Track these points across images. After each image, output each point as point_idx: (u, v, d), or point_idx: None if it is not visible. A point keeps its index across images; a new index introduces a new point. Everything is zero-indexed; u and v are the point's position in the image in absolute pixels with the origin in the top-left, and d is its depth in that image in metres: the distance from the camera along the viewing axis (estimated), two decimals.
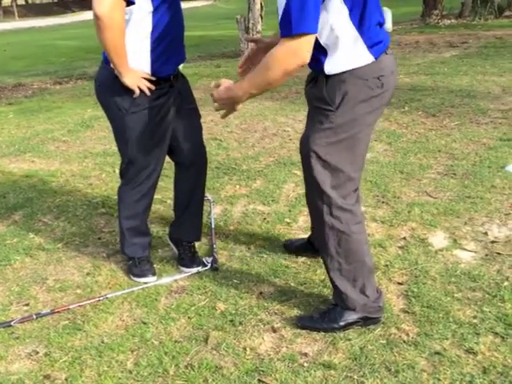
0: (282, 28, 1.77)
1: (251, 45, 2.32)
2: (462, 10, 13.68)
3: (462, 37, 10.14)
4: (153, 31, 2.26)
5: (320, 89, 1.98)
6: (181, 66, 2.52)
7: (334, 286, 2.16)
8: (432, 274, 2.50)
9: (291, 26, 1.73)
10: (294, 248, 2.79)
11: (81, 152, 4.76)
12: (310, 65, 1.93)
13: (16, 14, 45.82)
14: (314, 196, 2.07)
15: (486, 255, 2.63)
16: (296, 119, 5.22)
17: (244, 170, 4.02)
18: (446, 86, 6.18)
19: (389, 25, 12.68)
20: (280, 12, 1.77)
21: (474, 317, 2.18)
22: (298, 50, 1.76)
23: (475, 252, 2.67)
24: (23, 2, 57.24)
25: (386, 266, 2.61)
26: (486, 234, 2.83)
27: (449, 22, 13.07)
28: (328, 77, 1.94)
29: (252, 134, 4.92)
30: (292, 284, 2.51)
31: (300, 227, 3.08)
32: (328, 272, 2.16)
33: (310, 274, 2.59)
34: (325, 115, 1.97)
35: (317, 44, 1.85)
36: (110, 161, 4.43)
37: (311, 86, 2.09)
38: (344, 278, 2.12)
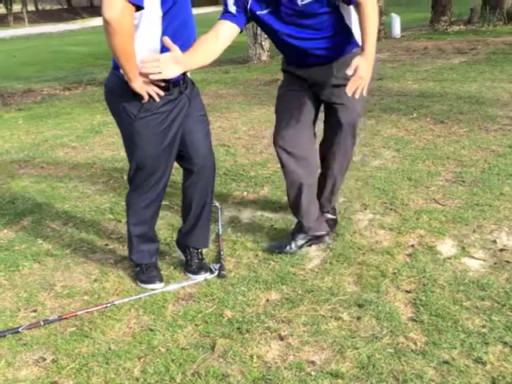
0: None
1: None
2: (471, 17, 13.63)
3: (471, 43, 10.11)
4: (162, 35, 2.26)
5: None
6: (189, 73, 2.53)
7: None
8: (440, 283, 2.48)
9: None
10: None
11: (89, 158, 4.78)
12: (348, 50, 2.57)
13: (26, 20, 46.21)
14: (348, 137, 2.74)
15: (495, 263, 2.62)
16: None
17: (252, 177, 4.02)
18: (455, 92, 6.16)
19: (397, 31, 12.71)
20: None
21: (483, 326, 2.17)
22: None
23: (484, 260, 2.66)
24: (33, 9, 57.70)
25: (394, 273, 2.59)
26: (494, 241, 2.82)
27: (458, 28, 13.03)
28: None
29: (260, 140, 4.92)
30: (299, 291, 2.51)
31: None
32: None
33: (318, 281, 2.58)
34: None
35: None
36: (118, 167, 4.45)
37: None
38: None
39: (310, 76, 2.65)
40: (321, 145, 2.95)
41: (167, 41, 2.14)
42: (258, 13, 2.43)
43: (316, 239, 2.92)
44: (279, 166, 2.83)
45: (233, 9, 2.41)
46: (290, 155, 2.72)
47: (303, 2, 2.36)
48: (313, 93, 2.71)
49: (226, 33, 2.41)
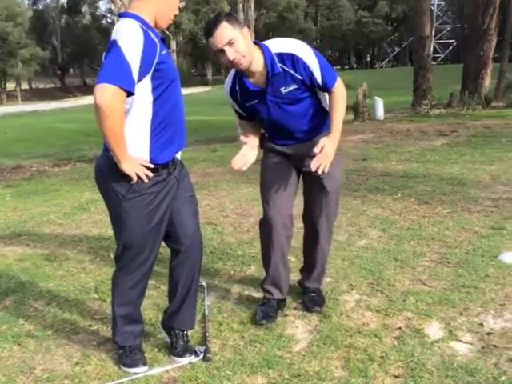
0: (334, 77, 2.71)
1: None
2: (451, 100, 14.21)
3: (452, 126, 10.47)
4: (152, 120, 2.34)
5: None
6: (179, 154, 2.59)
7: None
8: (428, 367, 2.45)
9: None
10: None
11: (76, 235, 4.77)
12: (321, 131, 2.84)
13: (19, 98, 47.23)
14: (333, 204, 2.97)
15: (483, 347, 2.60)
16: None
17: (239, 255, 4.03)
18: (438, 173, 6.32)
19: (380, 113, 13.15)
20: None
21: None
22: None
23: (471, 344, 2.64)
24: (27, 87, 59.10)
25: (382, 357, 2.56)
26: (481, 325, 2.81)
27: (438, 111, 13.55)
28: None
29: (247, 218, 4.96)
30: (286, 376, 2.45)
31: (294, 315, 3.05)
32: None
33: (305, 365, 2.54)
34: None
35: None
36: (105, 245, 4.43)
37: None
38: None
39: (294, 152, 2.90)
40: (305, 217, 3.12)
41: (244, 139, 2.70)
42: (246, 104, 2.75)
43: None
44: None
45: (241, 111, 2.89)
46: (282, 226, 2.92)
47: (286, 90, 2.67)
48: (294, 165, 2.95)
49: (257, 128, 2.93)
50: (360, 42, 72.08)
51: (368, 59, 65.03)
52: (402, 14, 68.35)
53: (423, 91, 14.46)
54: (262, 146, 3.03)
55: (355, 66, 77.63)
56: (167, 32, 47.68)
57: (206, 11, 54.59)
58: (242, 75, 2.70)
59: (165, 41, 2.42)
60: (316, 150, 2.57)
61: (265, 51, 2.64)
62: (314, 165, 2.57)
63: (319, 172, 2.57)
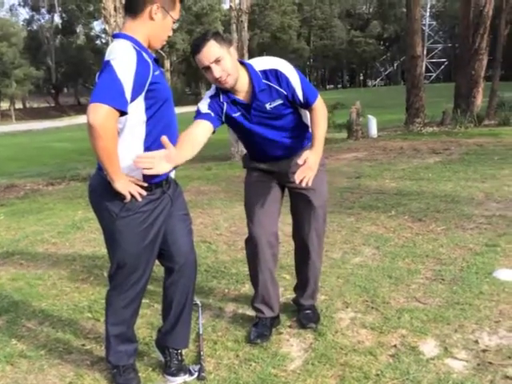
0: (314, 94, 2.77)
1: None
2: (443, 119, 14.33)
3: (445, 144, 10.54)
4: (146, 139, 2.35)
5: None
6: (173, 173, 2.60)
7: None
8: None
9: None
10: None
11: (69, 254, 4.75)
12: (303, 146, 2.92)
13: (13, 117, 47.28)
14: (320, 220, 3.01)
15: (478, 364, 2.59)
16: (284, 222, 5.27)
17: (233, 274, 4.01)
18: (431, 191, 6.35)
19: (373, 131, 13.24)
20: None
21: None
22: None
23: (467, 361, 2.63)
24: (21, 106, 59.23)
25: (377, 375, 2.55)
26: (476, 342, 2.80)
27: (431, 129, 13.64)
28: None
29: (241, 236, 4.94)
30: None
31: (289, 333, 3.03)
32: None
33: (300, 383, 2.52)
34: None
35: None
36: (98, 263, 4.41)
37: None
38: None
39: (278, 168, 2.94)
40: (295, 235, 3.15)
41: (164, 139, 2.24)
42: (233, 115, 2.75)
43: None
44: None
45: (207, 111, 2.69)
46: (267, 243, 2.95)
47: (271, 106, 2.73)
48: (278, 182, 2.99)
49: (204, 130, 2.64)
50: (353, 61, 72.86)
51: (361, 78, 65.67)
52: (393, 33, 69.27)
53: (416, 109, 14.58)
54: (244, 165, 3.10)
55: (348, 84, 78.28)
56: (161, 52, 48.06)
57: (200, 31, 55.09)
58: (227, 91, 2.72)
59: (158, 61, 2.44)
60: (299, 161, 2.60)
61: (249, 69, 2.70)
62: (297, 176, 2.58)
63: (303, 184, 2.58)
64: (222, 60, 2.57)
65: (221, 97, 2.73)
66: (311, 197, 2.94)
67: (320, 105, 2.80)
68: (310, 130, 2.85)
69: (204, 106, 2.71)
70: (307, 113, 2.86)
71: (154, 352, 2.80)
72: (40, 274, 4.25)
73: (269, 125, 2.80)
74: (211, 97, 2.74)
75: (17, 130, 31.55)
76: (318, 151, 2.71)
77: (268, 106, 2.73)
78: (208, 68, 2.59)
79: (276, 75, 2.69)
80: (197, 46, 2.58)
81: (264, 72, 2.70)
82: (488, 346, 2.76)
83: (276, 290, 3.12)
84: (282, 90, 2.70)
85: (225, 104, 2.73)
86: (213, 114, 2.69)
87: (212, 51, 2.55)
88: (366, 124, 13.46)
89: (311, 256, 3.06)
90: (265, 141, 2.84)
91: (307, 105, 2.77)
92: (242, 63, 2.73)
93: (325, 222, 3.08)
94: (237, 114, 2.75)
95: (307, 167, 2.60)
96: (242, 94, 2.73)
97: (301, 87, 2.72)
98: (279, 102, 2.73)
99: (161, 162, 2.22)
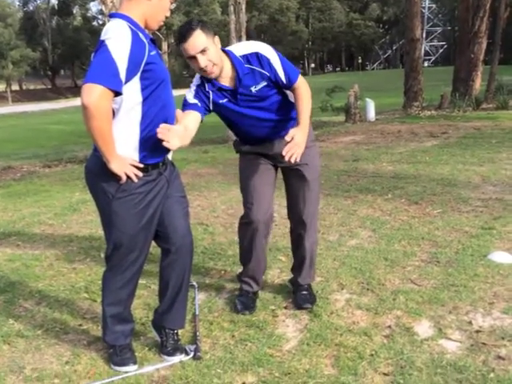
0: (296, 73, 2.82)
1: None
2: (442, 102, 14.30)
3: (442, 127, 10.53)
4: (142, 120, 2.34)
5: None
6: (170, 155, 2.59)
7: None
8: (418, 365, 2.46)
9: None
10: None
11: (66, 236, 4.75)
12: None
13: (10, 99, 47.01)
14: (314, 193, 3.06)
15: (472, 345, 2.62)
16: (282, 205, 5.28)
17: (230, 256, 4.03)
18: (428, 174, 6.35)
19: (371, 115, 13.21)
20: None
21: None
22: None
23: (460, 342, 2.66)
24: (17, 88, 58.84)
25: (372, 355, 2.57)
26: (470, 323, 2.83)
27: (429, 113, 13.62)
28: None
29: (238, 219, 4.95)
30: (276, 374, 2.46)
31: (285, 314, 3.06)
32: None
33: (295, 363, 2.54)
34: None
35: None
36: (95, 245, 4.42)
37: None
38: None
39: (270, 150, 2.97)
40: (290, 212, 3.18)
41: (179, 114, 2.35)
42: (220, 101, 2.78)
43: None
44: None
45: (194, 101, 2.73)
46: (263, 224, 3.00)
47: (256, 89, 2.76)
48: (271, 164, 3.03)
49: (193, 120, 2.68)
50: (351, 44, 72.39)
51: (359, 61, 65.32)
52: (393, 16, 68.78)
53: (414, 93, 14.55)
54: (236, 150, 3.13)
55: (347, 68, 77.89)
56: (158, 33, 47.65)
57: (198, 13, 54.67)
58: (212, 79, 2.75)
59: (155, 42, 2.42)
60: (287, 137, 2.63)
61: (231, 56, 2.73)
62: (285, 152, 2.61)
63: (292, 161, 2.62)
64: (207, 50, 2.58)
65: (206, 86, 2.76)
66: (304, 171, 2.99)
67: (302, 83, 2.83)
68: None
69: (190, 95, 2.76)
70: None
71: (151, 332, 2.82)
72: (37, 255, 4.26)
73: (256, 107, 2.83)
74: (197, 86, 2.78)
75: (13, 111, 31.40)
76: (303, 128, 2.74)
77: (253, 89, 2.76)
78: (193, 57, 2.60)
79: (257, 57, 2.72)
80: (183, 35, 2.58)
81: (245, 56, 2.73)
82: (482, 327, 2.79)
83: (264, 267, 3.24)
84: (264, 72, 2.74)
85: (211, 93, 2.76)
86: (200, 104, 2.74)
87: (198, 41, 2.56)
88: (364, 107, 13.43)
89: (307, 230, 3.10)
90: (254, 123, 2.87)
91: (289, 84, 2.80)
92: (224, 51, 2.74)
93: (318, 196, 3.14)
94: (224, 101, 2.79)
95: (294, 144, 2.64)
96: (227, 80, 2.76)
97: (282, 67, 2.76)
98: (263, 84, 2.76)
99: (174, 138, 2.26)
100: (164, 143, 2.21)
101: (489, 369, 2.40)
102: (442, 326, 2.82)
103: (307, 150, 2.78)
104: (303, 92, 2.81)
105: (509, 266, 3.50)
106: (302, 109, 2.78)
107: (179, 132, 2.30)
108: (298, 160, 2.65)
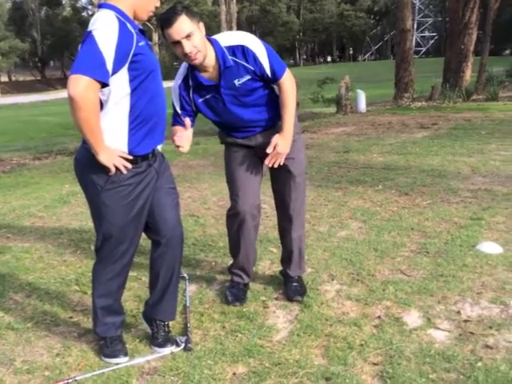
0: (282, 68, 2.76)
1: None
2: (432, 94, 14.34)
3: (433, 118, 10.57)
4: (130, 112, 2.32)
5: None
6: (160, 146, 2.58)
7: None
8: (407, 354, 2.49)
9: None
10: None
11: (56, 228, 4.74)
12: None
13: None
14: (301, 188, 3.05)
15: (460, 335, 2.64)
16: (272, 196, 5.29)
17: (221, 247, 4.03)
18: (418, 165, 6.38)
19: (362, 106, 13.22)
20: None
21: None
22: None
23: (449, 331, 2.68)
24: (6, 79, 58.29)
25: (361, 345, 2.59)
26: (458, 312, 2.86)
27: (420, 104, 13.66)
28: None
29: None
30: (266, 364, 2.48)
31: (275, 305, 3.07)
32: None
33: (285, 353, 2.56)
34: None
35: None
36: (85, 237, 4.41)
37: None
38: None
39: (254, 142, 2.94)
40: (277, 205, 3.20)
41: (188, 122, 2.58)
42: (199, 100, 2.79)
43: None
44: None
45: (183, 110, 2.81)
46: (250, 216, 3.00)
47: (239, 82, 2.72)
48: (257, 155, 2.98)
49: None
50: (342, 35, 72.25)
51: (351, 52, 65.26)
52: (384, 7, 68.69)
53: (405, 84, 14.57)
54: (221, 141, 3.10)
55: (338, 59, 77.81)
56: (149, 24, 47.32)
57: (189, 4, 54.28)
58: (194, 70, 2.72)
59: (144, 32, 2.40)
60: (268, 150, 2.70)
61: (215, 45, 2.68)
62: (267, 162, 2.72)
63: (275, 166, 2.73)
64: (192, 35, 2.54)
65: (190, 80, 2.75)
66: (290, 166, 2.96)
67: (288, 80, 2.78)
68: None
69: (177, 103, 2.81)
70: None
71: (142, 324, 2.82)
72: (27, 248, 4.24)
73: (241, 101, 2.79)
74: (182, 81, 2.78)
75: (2, 103, 31.12)
76: (287, 135, 2.78)
77: (237, 83, 2.72)
78: (178, 43, 2.56)
79: (243, 51, 2.67)
80: (168, 20, 2.52)
81: (230, 48, 2.68)
82: (470, 316, 2.82)
83: (254, 259, 3.26)
84: (249, 66, 2.69)
85: (191, 89, 2.76)
86: (187, 109, 2.80)
87: (183, 26, 2.52)
88: (355, 99, 13.44)
89: (293, 223, 3.11)
90: (239, 117, 2.84)
91: (275, 78, 2.75)
92: (209, 39, 2.70)
93: (304, 190, 3.14)
94: (208, 96, 2.77)
95: (276, 153, 2.70)
96: (210, 70, 2.71)
97: (268, 61, 2.70)
98: (247, 77, 2.72)
99: (187, 144, 2.51)
100: (180, 149, 2.53)
101: (477, 358, 2.43)
102: (431, 315, 2.84)
103: (293, 143, 2.80)
104: (288, 89, 2.77)
105: (497, 257, 3.54)
106: (285, 115, 2.77)
107: (190, 138, 2.62)
108: (281, 163, 2.72)
